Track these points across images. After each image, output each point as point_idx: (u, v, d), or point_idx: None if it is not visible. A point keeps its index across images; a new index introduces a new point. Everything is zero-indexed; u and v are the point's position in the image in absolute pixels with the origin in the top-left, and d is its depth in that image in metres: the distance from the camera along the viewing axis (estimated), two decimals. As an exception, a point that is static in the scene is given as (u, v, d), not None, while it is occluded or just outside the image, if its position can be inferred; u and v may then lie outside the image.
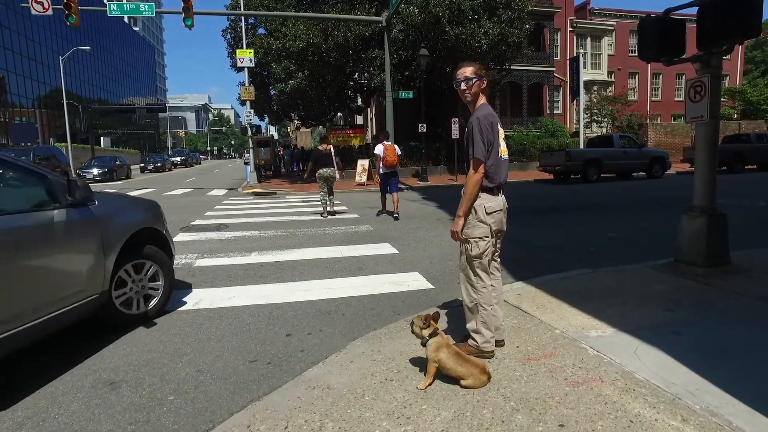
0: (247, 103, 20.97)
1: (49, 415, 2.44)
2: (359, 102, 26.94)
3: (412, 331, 2.57)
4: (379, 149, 9.44)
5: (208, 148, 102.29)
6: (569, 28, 32.47)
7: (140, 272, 3.70)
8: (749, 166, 18.95)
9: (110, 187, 19.75)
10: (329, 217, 9.56)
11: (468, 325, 2.79)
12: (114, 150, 48.51)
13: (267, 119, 36.94)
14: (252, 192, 16.43)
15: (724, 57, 4.30)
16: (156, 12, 14.79)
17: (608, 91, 33.26)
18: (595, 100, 30.51)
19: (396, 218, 9.16)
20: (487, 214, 2.65)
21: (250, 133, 22.40)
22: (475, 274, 2.69)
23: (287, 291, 4.53)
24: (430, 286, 4.57)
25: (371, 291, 4.44)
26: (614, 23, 34.36)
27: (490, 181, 2.64)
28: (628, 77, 35.51)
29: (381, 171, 9.51)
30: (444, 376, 2.46)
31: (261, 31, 22.34)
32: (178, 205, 12.66)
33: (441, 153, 22.17)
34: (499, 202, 2.70)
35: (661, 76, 36.76)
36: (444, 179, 19.65)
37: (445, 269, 5.16)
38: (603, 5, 35.21)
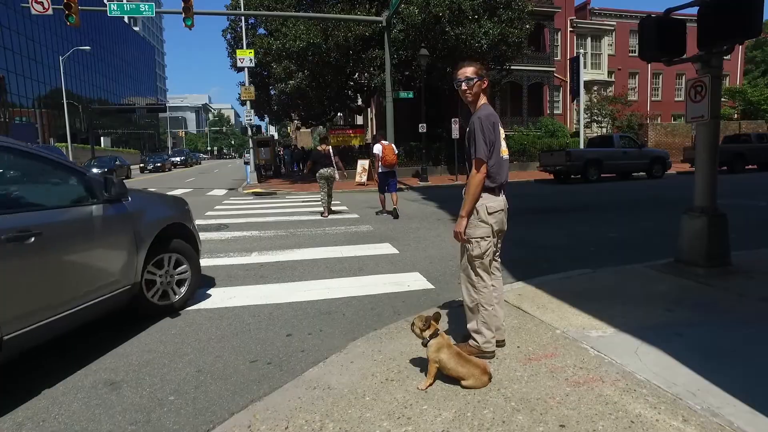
0: (247, 103, 20.98)
1: (50, 416, 2.44)
2: (359, 102, 26.93)
3: (413, 332, 2.56)
4: (377, 149, 9.48)
5: (208, 148, 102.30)
6: (569, 28, 32.46)
7: (169, 265, 3.90)
8: (749, 166, 18.94)
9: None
10: (329, 216, 9.56)
11: (469, 326, 2.78)
12: (114, 150, 48.52)
13: (267, 119, 36.98)
14: (252, 192, 16.43)
15: (725, 57, 4.30)
16: (156, 12, 14.80)
17: (608, 91, 33.26)
18: (595, 100, 30.51)
19: (396, 216, 9.21)
20: (489, 214, 2.64)
21: (250, 133, 22.42)
22: (476, 274, 2.69)
23: (287, 291, 4.52)
24: (430, 286, 4.56)
25: (371, 291, 4.44)
26: (614, 23, 34.35)
27: (491, 181, 2.63)
28: (629, 77, 35.50)
29: (380, 170, 9.54)
30: (444, 376, 2.45)
31: (261, 31, 22.35)
32: (178, 205, 12.62)
33: (441, 153, 22.17)
34: (500, 202, 2.70)
35: (661, 76, 36.74)
36: (444, 179, 19.64)
37: (446, 269, 5.16)
38: (603, 5, 35.22)
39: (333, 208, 10.34)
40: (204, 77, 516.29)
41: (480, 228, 2.65)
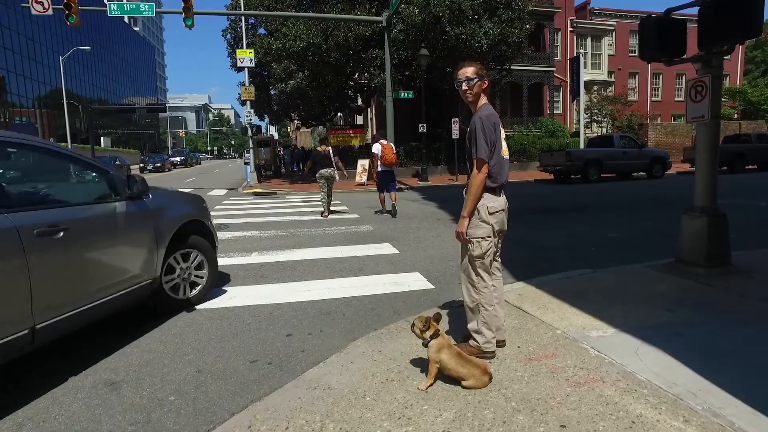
0: (247, 103, 20.98)
1: (50, 416, 2.43)
2: (359, 102, 26.93)
3: (413, 333, 2.56)
4: (376, 148, 9.50)
5: (208, 148, 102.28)
6: (569, 28, 32.45)
7: (187, 260, 4.02)
8: (750, 166, 18.94)
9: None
10: (329, 216, 9.56)
11: (469, 326, 2.78)
12: (114, 150, 48.47)
13: (267, 119, 36.99)
14: (252, 192, 16.43)
15: (725, 57, 4.30)
16: (156, 12, 14.80)
17: (608, 91, 33.25)
18: (595, 100, 30.50)
19: (394, 215, 9.33)
20: (490, 214, 2.64)
21: (250, 133, 22.41)
22: (477, 274, 2.69)
23: (288, 291, 4.52)
24: (430, 286, 4.56)
25: (372, 291, 4.43)
26: (614, 23, 34.35)
27: (492, 181, 2.63)
28: (629, 77, 35.49)
29: (379, 169, 9.56)
30: (445, 376, 2.45)
31: (261, 31, 22.35)
32: (178, 205, 12.62)
33: (441, 153, 22.17)
34: (501, 202, 2.69)
35: (661, 76, 36.74)
36: (444, 179, 19.64)
37: (446, 269, 5.16)
38: (603, 5, 35.21)
39: (333, 208, 10.35)
40: (204, 77, 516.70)
41: (481, 228, 2.65)
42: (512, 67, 22.55)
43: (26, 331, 2.54)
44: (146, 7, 14.41)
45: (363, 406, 2.27)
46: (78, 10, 13.39)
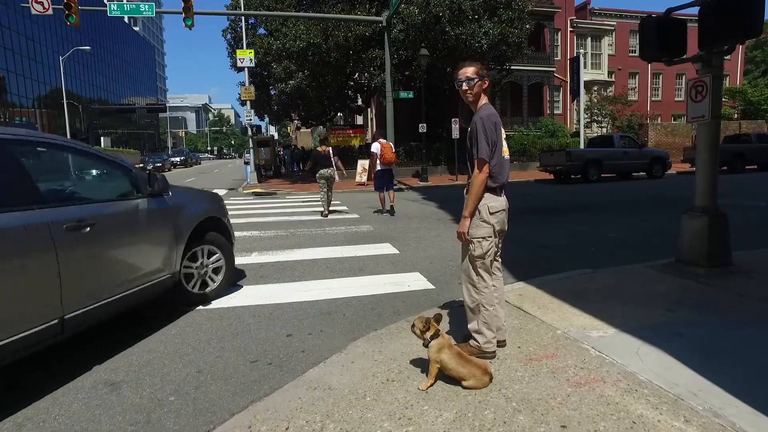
0: (248, 103, 20.98)
1: (50, 416, 2.43)
2: (359, 102, 26.93)
3: (413, 333, 2.56)
4: (375, 147, 9.52)
5: (208, 148, 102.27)
6: (569, 28, 32.45)
7: (204, 256, 4.17)
8: (750, 166, 18.94)
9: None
10: (329, 216, 9.57)
11: (469, 326, 2.78)
12: (114, 150, 48.42)
13: (267, 119, 36.98)
14: (252, 192, 16.43)
15: (725, 57, 4.29)
16: (156, 12, 14.81)
17: (608, 91, 33.25)
18: (595, 100, 30.49)
19: (392, 213, 9.47)
20: (491, 214, 2.64)
21: (250, 133, 22.41)
22: (477, 275, 2.69)
23: (288, 291, 4.52)
24: (430, 286, 4.56)
25: (372, 291, 4.43)
26: (614, 23, 34.34)
27: (493, 181, 2.63)
28: (629, 77, 35.49)
29: (378, 168, 9.57)
30: (445, 376, 2.45)
31: (261, 31, 22.35)
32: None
33: (441, 153, 22.17)
34: (501, 202, 2.69)
35: (661, 76, 36.74)
36: (444, 179, 19.64)
37: (446, 269, 5.16)
38: (603, 5, 35.20)
39: (333, 208, 10.37)
40: (204, 77, 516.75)
41: (482, 228, 2.64)
42: (512, 67, 22.55)
43: (56, 321, 2.66)
44: (146, 7, 14.41)
45: (363, 407, 2.27)
46: (78, 10, 13.40)
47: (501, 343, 2.84)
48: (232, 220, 4.84)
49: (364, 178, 18.20)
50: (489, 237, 2.65)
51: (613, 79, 34.38)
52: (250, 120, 21.79)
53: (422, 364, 2.64)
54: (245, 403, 2.47)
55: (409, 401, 2.30)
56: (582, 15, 34.00)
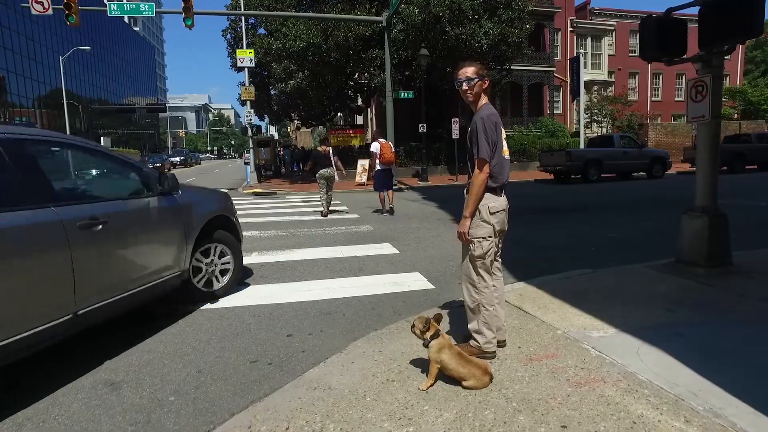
0: (248, 103, 20.98)
1: (50, 416, 2.43)
2: (359, 102, 26.93)
3: (413, 333, 2.56)
4: (375, 147, 9.55)
5: (208, 148, 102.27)
6: (569, 28, 32.45)
7: (213, 254, 4.24)
8: (750, 166, 18.94)
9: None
10: (329, 216, 9.58)
11: (469, 326, 2.78)
12: (114, 150, 48.43)
13: (267, 119, 36.97)
14: (252, 192, 16.43)
15: (726, 57, 4.29)
16: (156, 12, 14.80)
17: (608, 91, 33.24)
18: (595, 100, 30.49)
19: (391, 213, 9.54)
20: (491, 214, 2.64)
21: (250, 133, 22.41)
22: (478, 275, 2.68)
23: (288, 291, 4.52)
24: (430, 286, 4.56)
25: (372, 291, 4.43)
26: (614, 23, 34.34)
27: (493, 181, 2.63)
28: (629, 77, 35.48)
29: (378, 167, 9.59)
30: (445, 376, 2.45)
31: (261, 31, 22.34)
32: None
33: (441, 153, 22.17)
34: (502, 202, 2.69)
35: (661, 76, 36.74)
36: (444, 179, 19.64)
37: (446, 269, 5.15)
38: (603, 5, 35.19)
39: (333, 208, 10.39)
40: (204, 77, 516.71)
41: (482, 228, 2.64)
42: (512, 67, 22.55)
43: (70, 316, 2.74)
44: (146, 7, 14.40)
45: (363, 407, 2.27)
46: (78, 10, 13.39)
47: (501, 343, 2.84)
48: (232, 220, 4.85)
49: (364, 178, 18.20)
50: (489, 237, 2.65)
51: (613, 79, 34.38)
52: (250, 120, 21.79)
53: (422, 364, 2.64)
54: (245, 403, 2.47)
55: (409, 401, 2.30)
56: (582, 15, 33.99)
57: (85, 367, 2.97)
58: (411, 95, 18.25)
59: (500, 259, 2.89)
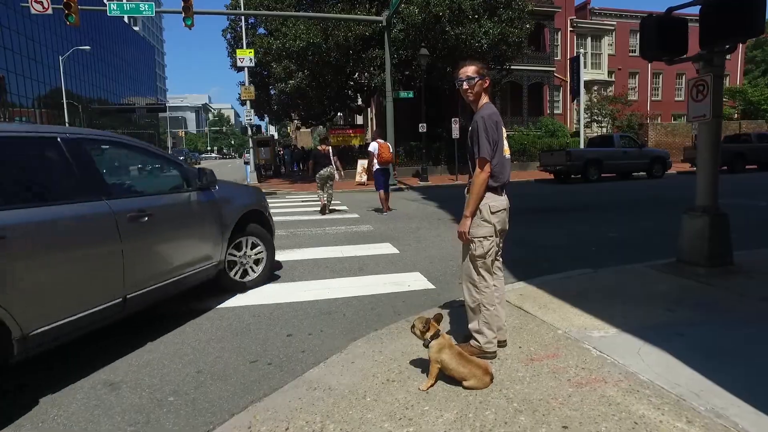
0: (247, 102, 20.96)
1: (48, 416, 2.42)
2: (359, 102, 26.91)
3: (413, 333, 2.55)
4: (373, 147, 9.60)
5: (209, 148, 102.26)
6: (569, 28, 32.43)
7: (247, 246, 4.48)
8: (750, 166, 18.94)
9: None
10: (329, 216, 9.59)
11: (470, 326, 2.77)
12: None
13: (267, 119, 36.97)
14: (252, 192, 16.39)
15: (726, 56, 4.29)
16: (156, 12, 14.78)
17: (608, 90, 33.23)
18: (595, 100, 30.47)
19: (389, 210, 9.68)
20: (492, 213, 2.63)
21: (250, 133, 22.40)
22: (478, 274, 2.68)
23: (288, 291, 4.51)
24: (431, 286, 4.55)
25: (372, 291, 4.42)
26: (615, 23, 34.33)
27: (494, 181, 2.62)
28: (629, 77, 35.46)
29: (376, 167, 9.63)
30: (446, 376, 2.44)
31: (261, 30, 22.34)
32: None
33: (441, 153, 22.16)
34: (503, 201, 2.68)
35: (661, 76, 36.72)
36: (444, 179, 19.63)
37: (446, 269, 5.15)
38: (603, 5, 35.19)
39: (333, 208, 10.42)
40: (204, 77, 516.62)
41: (483, 227, 2.63)
42: (512, 67, 22.53)
43: (120, 300, 3.00)
44: (146, 6, 14.39)
45: (363, 407, 2.26)
46: (78, 9, 13.38)
47: (502, 343, 2.83)
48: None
49: (364, 178, 18.19)
50: (490, 236, 2.64)
51: (613, 79, 34.36)
52: (250, 120, 21.77)
53: (422, 365, 2.63)
54: (245, 404, 2.46)
55: (409, 401, 2.29)
56: (582, 15, 33.98)
57: (84, 367, 2.96)
58: (411, 95, 18.23)
59: (501, 259, 2.89)
